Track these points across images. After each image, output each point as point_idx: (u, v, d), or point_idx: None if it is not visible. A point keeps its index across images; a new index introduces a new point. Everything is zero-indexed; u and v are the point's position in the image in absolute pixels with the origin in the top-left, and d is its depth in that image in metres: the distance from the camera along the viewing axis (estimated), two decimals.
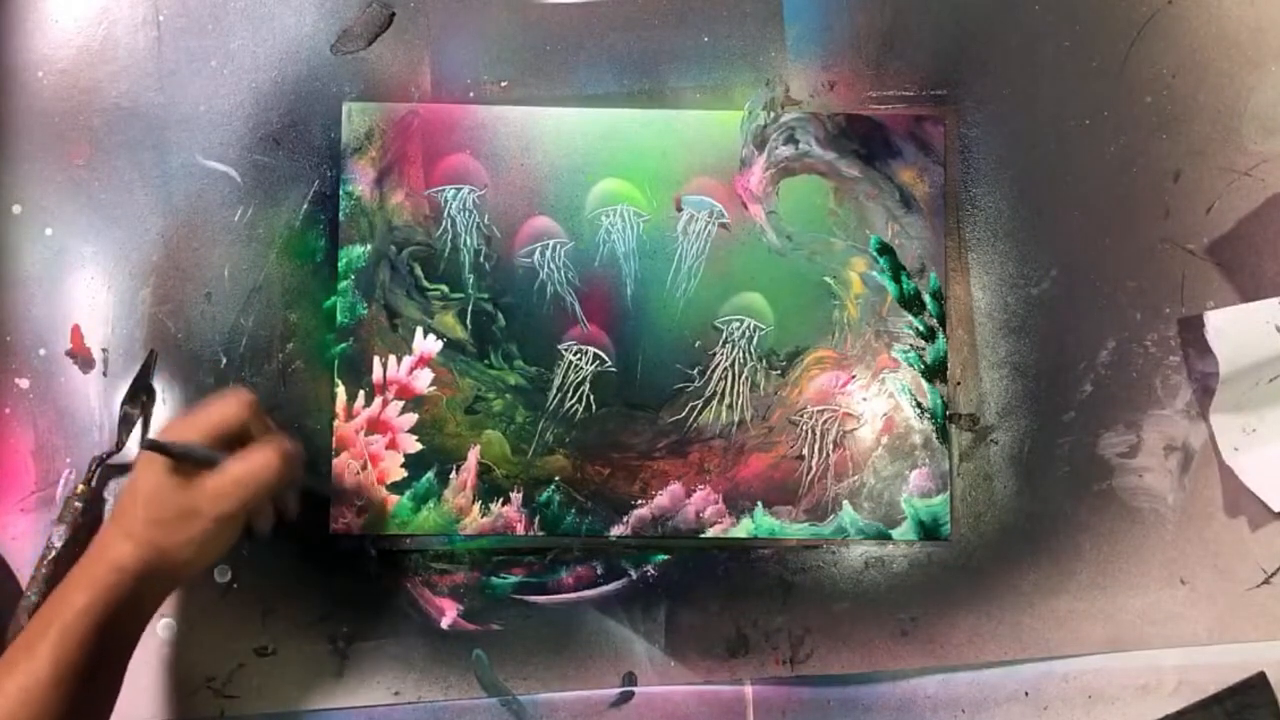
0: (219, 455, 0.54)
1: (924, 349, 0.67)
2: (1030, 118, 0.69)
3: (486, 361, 0.66)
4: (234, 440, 0.56)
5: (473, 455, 0.66)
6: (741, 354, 0.67)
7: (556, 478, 0.66)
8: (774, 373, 0.67)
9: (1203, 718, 0.67)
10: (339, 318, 0.66)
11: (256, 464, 0.54)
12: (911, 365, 0.67)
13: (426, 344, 0.66)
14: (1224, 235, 0.69)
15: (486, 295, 0.67)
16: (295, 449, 0.57)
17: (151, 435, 0.53)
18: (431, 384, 0.66)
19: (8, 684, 0.50)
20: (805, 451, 0.67)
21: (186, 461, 0.54)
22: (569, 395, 0.66)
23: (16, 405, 0.65)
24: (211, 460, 0.54)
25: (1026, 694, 0.67)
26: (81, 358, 0.66)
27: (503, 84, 0.68)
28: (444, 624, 0.65)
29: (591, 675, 0.66)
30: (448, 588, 0.66)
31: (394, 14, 0.68)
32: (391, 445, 0.66)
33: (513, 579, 0.66)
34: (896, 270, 0.67)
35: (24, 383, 0.65)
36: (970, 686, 0.67)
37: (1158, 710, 0.67)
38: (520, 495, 0.66)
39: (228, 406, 0.56)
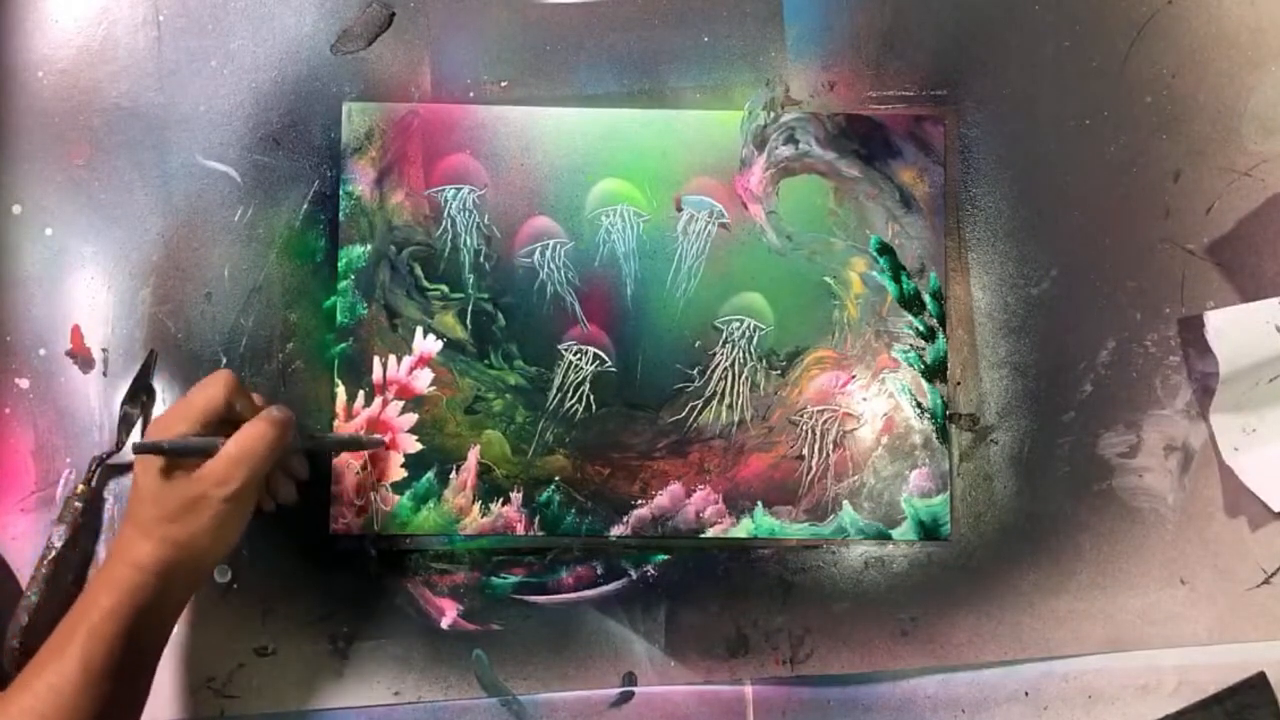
0: (214, 441, 0.55)
1: (924, 349, 0.67)
2: (1030, 118, 0.69)
3: (486, 361, 0.66)
4: (223, 421, 0.56)
5: (473, 455, 0.66)
6: (741, 354, 0.67)
7: (556, 478, 0.66)
8: (774, 373, 0.67)
9: (1203, 718, 0.67)
10: (339, 318, 0.66)
11: (250, 438, 0.55)
12: (911, 365, 0.67)
13: (426, 344, 0.66)
14: (1224, 235, 0.69)
15: (486, 295, 0.67)
16: (285, 415, 0.57)
17: (142, 438, 0.53)
18: (431, 384, 0.66)
19: (38, 684, 0.51)
20: (805, 451, 0.67)
21: (183, 455, 0.54)
22: (569, 395, 0.66)
23: (16, 405, 0.65)
24: (208, 447, 0.54)
25: (1026, 694, 0.67)
26: (81, 358, 0.66)
27: (503, 84, 0.68)
28: (444, 624, 0.65)
29: (591, 675, 0.66)
30: (448, 588, 0.66)
31: (394, 14, 0.68)
32: (391, 445, 0.65)
33: (513, 579, 0.66)
34: (896, 270, 0.67)
35: (24, 383, 0.65)
36: (970, 686, 0.67)
37: (1158, 710, 0.67)
38: (520, 495, 0.66)
39: (209, 389, 0.56)
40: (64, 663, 0.51)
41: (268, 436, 0.55)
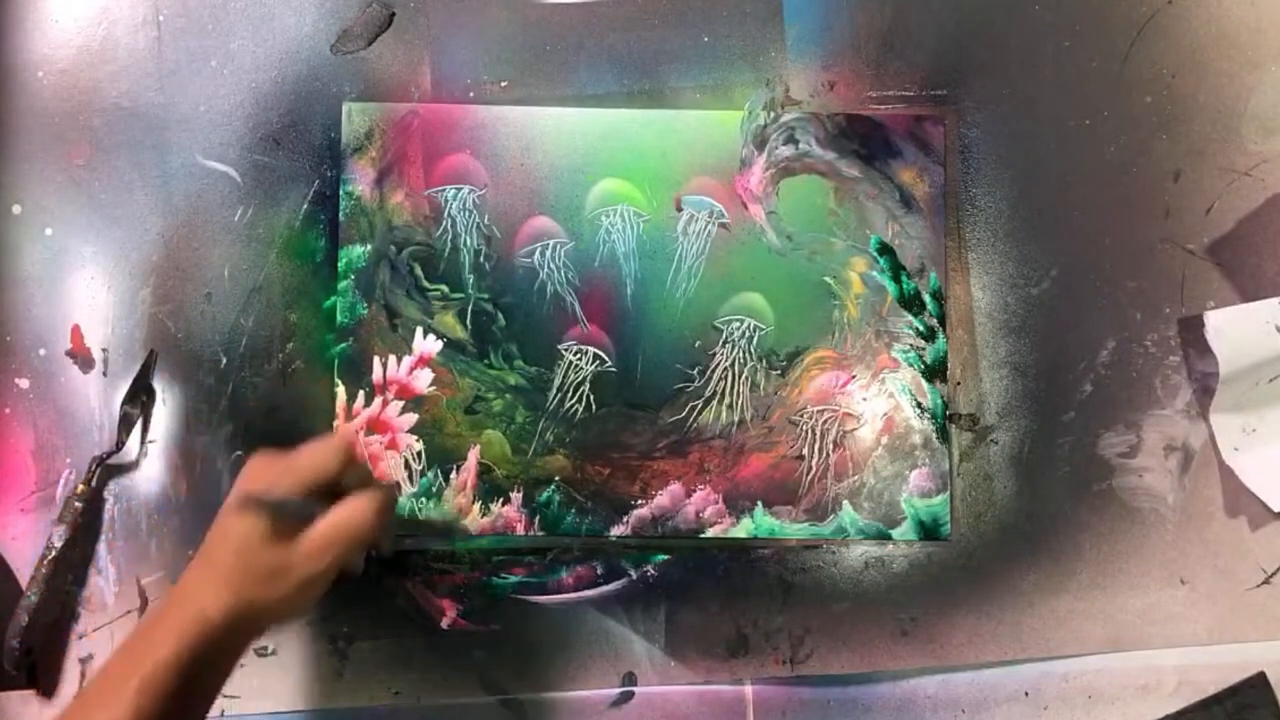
0: (314, 507, 0.53)
1: (924, 349, 0.67)
2: (1030, 118, 0.69)
3: (486, 361, 0.66)
4: (328, 489, 0.54)
5: (473, 455, 0.66)
6: (741, 354, 0.67)
7: (556, 478, 0.66)
8: (774, 373, 0.67)
9: (1203, 718, 0.67)
10: (339, 318, 0.66)
11: (348, 521, 0.53)
12: (911, 365, 0.67)
13: (426, 344, 0.66)
14: (1224, 235, 0.69)
15: (486, 295, 0.67)
16: (390, 494, 0.56)
17: (248, 488, 0.52)
18: (431, 384, 0.66)
19: None
20: (805, 451, 0.67)
21: (281, 515, 0.52)
22: (569, 395, 0.66)
23: (16, 405, 0.65)
24: (307, 512, 0.53)
25: (1026, 694, 0.67)
26: (81, 358, 0.66)
27: (503, 84, 0.68)
28: (444, 624, 0.65)
29: (591, 675, 0.66)
30: (448, 588, 0.66)
31: (394, 14, 0.68)
32: (391, 445, 0.66)
33: (513, 579, 0.66)
34: (896, 270, 0.67)
35: (24, 383, 0.65)
36: (970, 686, 0.67)
37: (1158, 710, 0.67)
38: (520, 495, 0.66)
39: (323, 455, 0.54)
40: (116, 709, 0.48)
41: (367, 520, 0.54)
